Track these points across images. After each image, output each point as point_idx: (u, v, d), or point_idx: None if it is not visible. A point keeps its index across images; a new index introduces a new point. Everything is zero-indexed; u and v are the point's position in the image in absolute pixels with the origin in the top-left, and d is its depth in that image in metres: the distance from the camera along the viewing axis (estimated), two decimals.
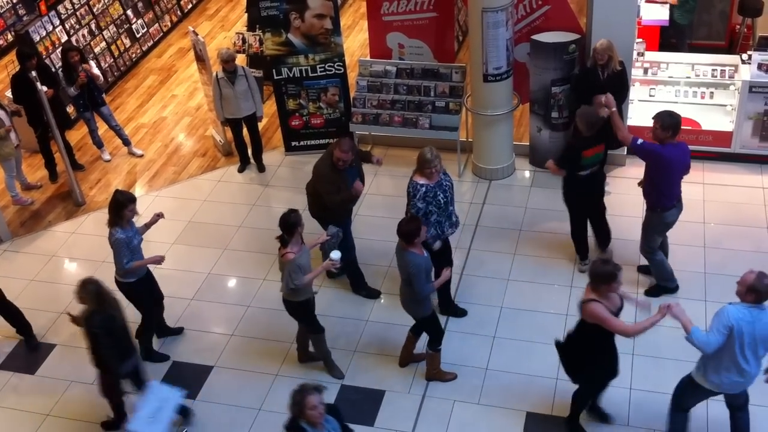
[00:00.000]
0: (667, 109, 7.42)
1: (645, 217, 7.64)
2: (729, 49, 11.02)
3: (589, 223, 8.12)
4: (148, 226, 7.38)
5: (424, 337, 7.40)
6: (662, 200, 7.35)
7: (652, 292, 7.83)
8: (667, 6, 10.43)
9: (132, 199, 7.01)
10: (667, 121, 7.09)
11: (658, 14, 10.42)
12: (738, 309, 5.62)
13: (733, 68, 9.36)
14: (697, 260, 8.24)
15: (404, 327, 7.32)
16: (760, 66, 8.94)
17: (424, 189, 7.12)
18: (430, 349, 7.08)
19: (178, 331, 7.91)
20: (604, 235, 8.23)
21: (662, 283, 7.86)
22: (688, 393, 6.14)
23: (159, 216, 7.38)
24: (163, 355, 7.72)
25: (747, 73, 9.04)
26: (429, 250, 7.02)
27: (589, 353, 6.14)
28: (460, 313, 7.82)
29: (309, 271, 6.81)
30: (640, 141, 7.25)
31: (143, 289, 7.35)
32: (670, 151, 7.13)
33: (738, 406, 6.21)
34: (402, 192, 9.43)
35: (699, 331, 5.65)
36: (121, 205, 6.92)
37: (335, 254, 6.74)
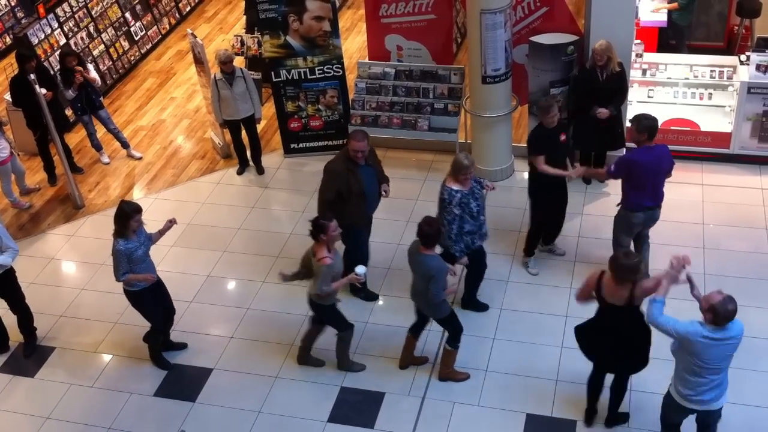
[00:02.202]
0: (645, 112, 7.45)
1: (617, 213, 7.66)
2: (727, 50, 11.04)
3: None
4: (161, 233, 7.28)
5: (424, 338, 7.41)
6: (630, 201, 7.37)
7: None
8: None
9: (138, 210, 6.89)
10: (643, 124, 7.11)
11: (656, 15, 10.43)
12: (700, 330, 5.47)
13: (732, 69, 9.37)
14: (696, 261, 8.15)
15: (404, 329, 7.32)
16: (758, 67, 8.95)
17: (459, 195, 7.03)
18: (448, 346, 7.07)
19: (182, 346, 7.83)
20: (556, 229, 8.28)
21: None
22: (670, 409, 6.04)
23: (172, 222, 7.28)
24: (167, 362, 7.68)
25: (745, 74, 9.05)
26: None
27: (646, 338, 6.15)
28: (482, 307, 7.84)
29: (339, 277, 6.77)
30: (612, 168, 7.33)
31: (150, 298, 7.24)
32: (642, 155, 7.15)
33: (707, 424, 6.08)
34: (401, 194, 9.50)
35: (660, 307, 5.63)
36: (127, 216, 6.81)
37: (360, 269, 6.68)
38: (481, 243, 7.39)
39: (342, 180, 7.33)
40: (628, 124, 9.19)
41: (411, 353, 7.36)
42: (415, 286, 6.83)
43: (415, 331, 7.25)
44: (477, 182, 7.20)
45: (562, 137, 7.76)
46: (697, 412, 5.87)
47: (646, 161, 7.14)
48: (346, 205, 7.34)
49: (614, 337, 6.13)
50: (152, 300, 7.29)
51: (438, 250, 6.69)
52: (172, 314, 7.62)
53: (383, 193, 7.78)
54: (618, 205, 7.56)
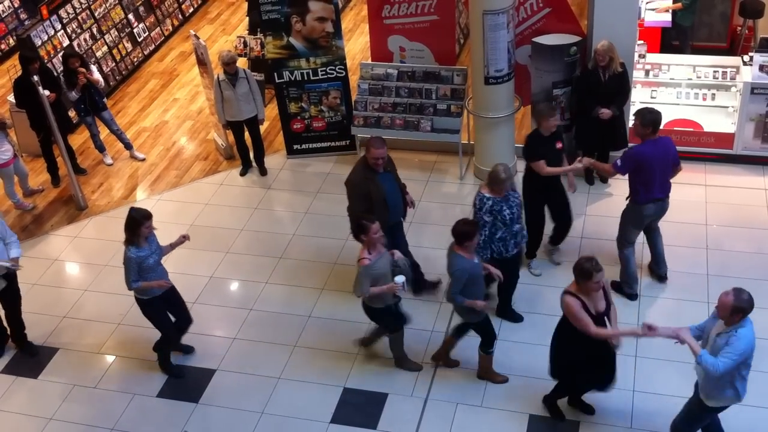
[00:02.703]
0: (648, 106, 7.50)
1: (625, 207, 7.66)
2: (730, 51, 11.03)
3: (551, 218, 8.14)
4: (173, 246, 7.24)
5: (426, 338, 7.40)
6: (640, 194, 7.37)
7: (613, 285, 7.76)
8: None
9: (148, 216, 6.81)
10: (647, 118, 7.15)
11: (660, 15, 10.43)
12: (750, 331, 5.51)
13: (735, 70, 9.36)
14: (699, 262, 8.23)
15: (407, 329, 7.29)
16: (761, 67, 8.93)
17: (490, 202, 6.98)
18: (481, 351, 7.05)
19: (189, 350, 7.80)
20: (565, 229, 8.21)
21: (622, 282, 7.86)
22: (702, 416, 6.04)
23: (185, 238, 7.24)
24: (179, 371, 7.64)
25: (748, 74, 9.04)
26: (499, 261, 7.01)
27: (562, 344, 6.25)
28: (517, 318, 7.76)
29: (384, 281, 6.68)
30: (618, 162, 7.33)
31: (161, 305, 7.19)
32: (648, 148, 7.19)
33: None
34: None
35: (707, 355, 5.53)
36: (137, 223, 6.74)
37: (399, 278, 6.62)
38: (516, 251, 7.29)
39: (364, 188, 7.32)
40: (630, 124, 9.20)
41: (447, 351, 7.30)
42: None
43: (457, 333, 7.17)
44: (513, 189, 7.14)
45: (558, 145, 7.73)
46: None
47: (653, 154, 7.17)
48: (371, 214, 7.22)
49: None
50: (163, 308, 7.22)
51: (475, 258, 6.58)
52: (186, 324, 7.50)
53: (409, 203, 7.74)
54: (627, 198, 7.56)
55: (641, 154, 7.21)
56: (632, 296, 7.82)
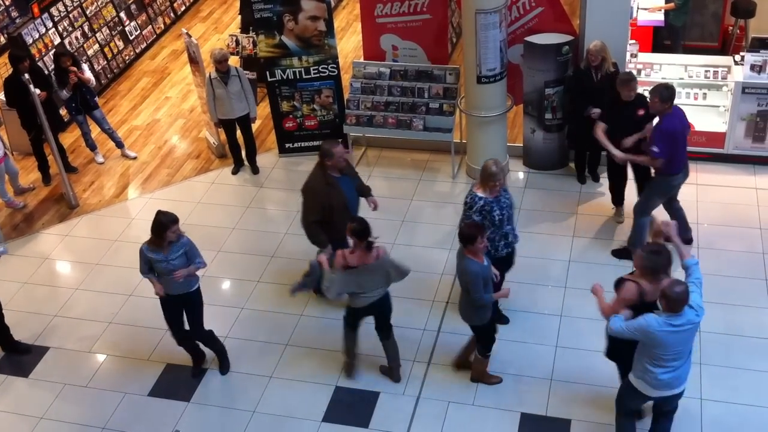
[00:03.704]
0: (661, 82, 7.75)
1: (652, 180, 7.85)
2: (722, 51, 11.06)
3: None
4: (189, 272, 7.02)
5: (419, 337, 7.40)
6: (672, 165, 7.57)
7: (619, 252, 8.08)
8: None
9: (175, 220, 6.62)
10: (665, 94, 7.33)
11: (653, 15, 10.45)
12: (658, 320, 5.51)
13: (726, 69, 9.38)
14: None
15: (398, 328, 7.29)
16: (752, 67, 8.96)
17: (482, 202, 6.95)
18: (478, 354, 7.04)
19: (200, 356, 7.67)
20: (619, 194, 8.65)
21: (630, 247, 8.02)
22: (628, 396, 6.07)
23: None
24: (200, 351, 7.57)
25: (740, 74, 9.07)
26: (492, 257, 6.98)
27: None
28: (504, 320, 7.70)
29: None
30: (656, 149, 7.43)
31: (169, 308, 7.13)
32: (673, 122, 7.42)
33: (664, 412, 6.17)
34: (396, 194, 9.51)
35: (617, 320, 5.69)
36: (164, 227, 6.57)
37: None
38: (506, 252, 7.27)
39: (325, 197, 7.20)
40: None
41: (468, 355, 7.25)
42: (460, 293, 6.77)
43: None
44: (505, 189, 7.12)
45: (640, 112, 7.88)
46: (655, 399, 5.95)
47: (679, 125, 7.46)
48: (330, 222, 7.22)
49: None
50: (172, 306, 7.12)
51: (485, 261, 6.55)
52: (192, 335, 7.35)
53: (371, 205, 7.66)
54: (657, 174, 7.74)
55: (671, 129, 7.43)
56: (691, 240, 8.09)
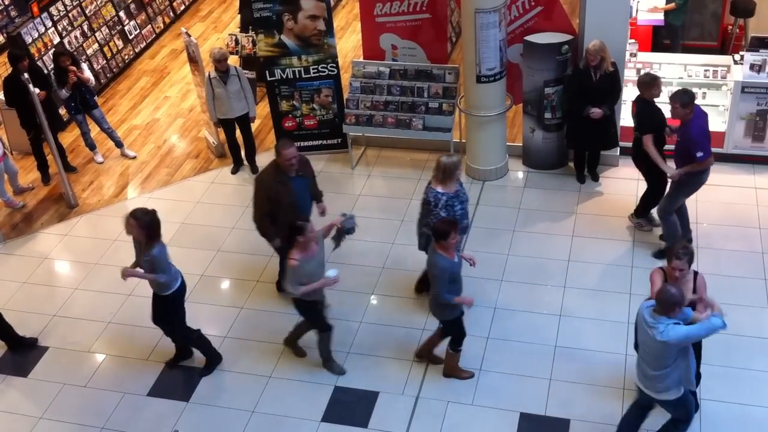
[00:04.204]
0: (678, 88, 7.77)
1: (677, 183, 7.83)
2: (721, 50, 11.05)
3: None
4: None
5: (419, 336, 7.40)
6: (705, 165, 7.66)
7: (660, 254, 8.10)
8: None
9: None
10: (685, 99, 7.41)
11: (653, 14, 10.44)
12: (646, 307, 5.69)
13: (726, 69, 9.38)
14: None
15: (399, 328, 7.32)
16: (752, 66, 8.96)
17: (445, 198, 7.05)
18: (450, 349, 7.09)
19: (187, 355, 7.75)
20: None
21: (670, 244, 7.96)
22: None
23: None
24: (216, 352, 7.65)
25: (739, 73, 9.07)
26: None
27: None
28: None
29: (315, 278, 6.73)
30: (699, 154, 7.45)
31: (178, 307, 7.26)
32: (702, 123, 7.52)
33: (645, 407, 6.24)
34: (395, 194, 9.51)
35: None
36: (159, 223, 6.80)
37: (332, 272, 6.70)
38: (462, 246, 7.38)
39: (272, 191, 7.29)
40: (621, 123, 9.22)
41: (431, 348, 7.32)
42: (431, 288, 6.83)
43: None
44: (461, 184, 7.22)
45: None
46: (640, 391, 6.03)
47: (706, 125, 7.58)
48: (276, 217, 7.31)
49: None
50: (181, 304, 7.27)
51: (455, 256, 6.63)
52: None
53: (319, 210, 7.74)
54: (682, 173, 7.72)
55: (705, 130, 7.52)
56: (690, 240, 8.11)
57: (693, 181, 7.79)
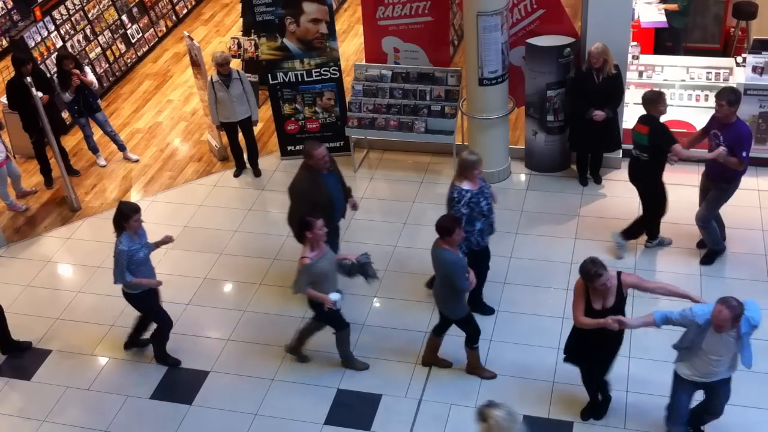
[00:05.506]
0: (726, 86, 7.80)
1: (717, 190, 7.80)
2: (723, 52, 11.05)
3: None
4: (157, 245, 7.26)
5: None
6: (745, 167, 7.65)
7: (707, 260, 8.16)
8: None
9: (136, 209, 6.91)
10: (733, 98, 7.34)
11: (657, 16, 10.45)
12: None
13: (728, 71, 9.39)
14: (692, 262, 8.24)
15: (401, 330, 7.31)
16: (754, 69, 8.97)
17: (469, 194, 7.06)
18: (467, 347, 7.11)
19: (176, 362, 7.74)
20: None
21: (715, 247, 8.13)
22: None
23: (169, 239, 7.32)
24: (176, 359, 7.67)
25: (742, 75, 9.07)
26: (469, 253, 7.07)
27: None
28: (488, 311, 7.81)
29: (328, 279, 6.76)
30: (744, 154, 7.45)
31: (151, 297, 7.28)
32: (747, 128, 7.50)
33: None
34: (397, 196, 9.51)
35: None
36: (126, 217, 6.85)
37: (334, 296, 6.72)
38: (487, 240, 7.40)
39: (309, 196, 7.36)
40: (624, 126, 9.22)
41: (434, 353, 7.33)
42: (436, 286, 6.86)
43: (437, 332, 7.19)
44: (483, 180, 7.24)
45: None
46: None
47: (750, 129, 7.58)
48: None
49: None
50: (154, 299, 7.33)
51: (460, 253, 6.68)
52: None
53: (352, 207, 7.82)
54: (725, 183, 7.74)
55: (749, 131, 7.51)
56: (724, 249, 8.22)
57: (734, 186, 7.78)
